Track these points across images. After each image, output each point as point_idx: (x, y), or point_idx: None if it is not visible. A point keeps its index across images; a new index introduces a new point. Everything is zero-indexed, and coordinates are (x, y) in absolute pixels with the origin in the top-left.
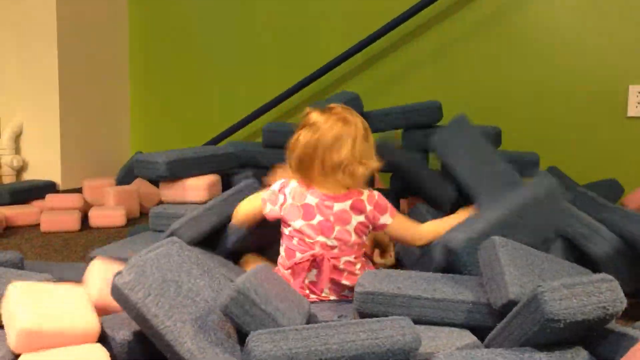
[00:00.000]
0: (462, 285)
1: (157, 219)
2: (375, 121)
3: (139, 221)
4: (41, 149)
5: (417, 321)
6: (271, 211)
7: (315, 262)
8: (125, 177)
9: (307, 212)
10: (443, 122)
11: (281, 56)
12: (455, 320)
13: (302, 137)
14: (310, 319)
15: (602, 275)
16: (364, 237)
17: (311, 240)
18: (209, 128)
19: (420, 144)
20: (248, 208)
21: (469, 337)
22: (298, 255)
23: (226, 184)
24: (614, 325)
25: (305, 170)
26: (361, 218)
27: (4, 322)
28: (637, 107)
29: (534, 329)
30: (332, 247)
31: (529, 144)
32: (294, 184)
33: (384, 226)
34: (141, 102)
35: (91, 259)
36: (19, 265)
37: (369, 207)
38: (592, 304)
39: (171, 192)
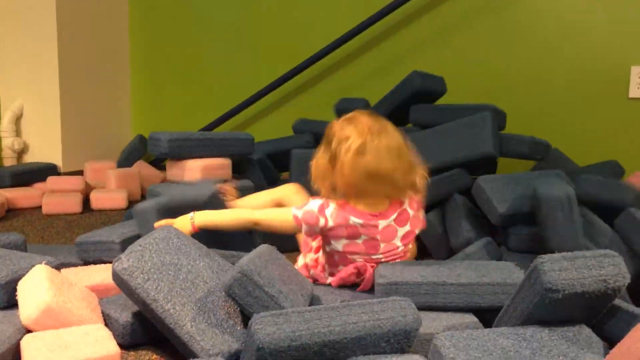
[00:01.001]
0: (485, 268)
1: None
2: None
3: None
4: (42, 131)
5: (443, 308)
6: (308, 231)
7: (358, 272)
8: (126, 160)
9: (352, 233)
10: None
11: (280, 39)
12: (482, 304)
13: (353, 161)
14: (314, 302)
15: (606, 250)
16: (410, 245)
17: (354, 257)
18: (209, 110)
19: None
20: (275, 220)
21: (470, 319)
22: (341, 267)
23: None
24: (620, 302)
25: (359, 192)
26: (407, 228)
27: (20, 300)
28: (638, 88)
29: (534, 300)
30: (378, 261)
31: (530, 125)
32: (332, 206)
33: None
34: (142, 84)
35: (78, 244)
36: (21, 247)
37: (411, 213)
38: (593, 277)
39: (173, 171)
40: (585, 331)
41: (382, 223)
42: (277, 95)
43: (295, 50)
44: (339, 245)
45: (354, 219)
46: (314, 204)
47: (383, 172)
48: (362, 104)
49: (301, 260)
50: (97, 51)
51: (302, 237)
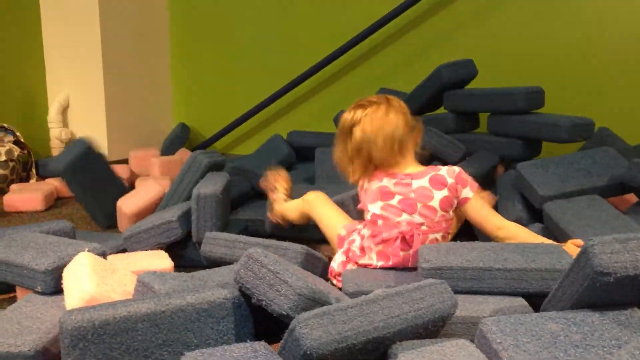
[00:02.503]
0: (533, 253)
1: None
2: None
3: None
4: (88, 121)
5: (489, 293)
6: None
7: (405, 242)
8: (169, 148)
9: (385, 194)
10: (484, 82)
11: (315, 27)
12: (529, 289)
13: (371, 129)
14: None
15: None
16: (451, 213)
17: (396, 220)
18: (247, 98)
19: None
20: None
21: (519, 302)
22: (384, 234)
23: None
24: None
25: (386, 158)
26: (445, 192)
27: (66, 288)
28: None
29: (584, 284)
30: (420, 224)
31: (575, 104)
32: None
33: (466, 200)
34: (182, 74)
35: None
36: (70, 234)
37: (450, 180)
38: None
39: None
40: (638, 314)
41: (415, 182)
42: (314, 82)
43: (331, 38)
44: (377, 207)
45: (386, 180)
46: None
47: (400, 133)
48: (397, 96)
49: (339, 257)
50: (139, 43)
51: (335, 235)
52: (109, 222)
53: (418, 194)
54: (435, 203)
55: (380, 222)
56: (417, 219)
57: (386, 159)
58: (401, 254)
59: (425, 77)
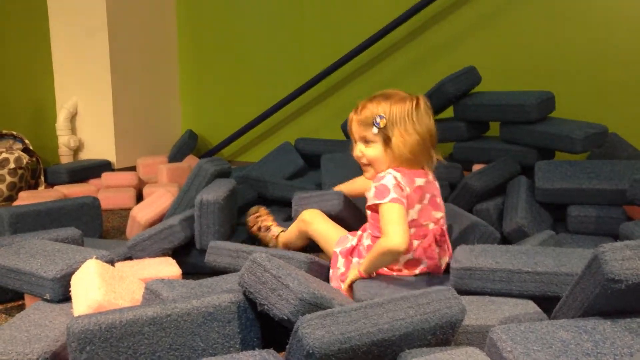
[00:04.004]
0: (564, 258)
1: None
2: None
3: None
4: (96, 129)
5: (518, 295)
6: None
7: (435, 242)
8: (177, 155)
9: (421, 195)
10: (495, 86)
11: (322, 35)
12: (559, 294)
13: (410, 124)
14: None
15: None
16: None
17: (426, 223)
18: (255, 105)
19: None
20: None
21: (532, 309)
22: (416, 242)
23: None
24: None
25: (418, 156)
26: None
27: (74, 295)
28: None
29: (595, 291)
30: (441, 219)
31: (585, 109)
32: (396, 174)
33: None
34: (190, 81)
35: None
36: (78, 241)
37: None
38: None
39: None
40: None
41: (430, 176)
42: (321, 89)
43: (339, 44)
44: (415, 212)
45: (417, 180)
46: (388, 180)
47: (429, 132)
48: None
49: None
50: (147, 50)
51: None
52: None
53: (436, 189)
54: (440, 200)
55: (413, 230)
56: (442, 213)
57: (423, 153)
58: (437, 250)
59: (430, 89)
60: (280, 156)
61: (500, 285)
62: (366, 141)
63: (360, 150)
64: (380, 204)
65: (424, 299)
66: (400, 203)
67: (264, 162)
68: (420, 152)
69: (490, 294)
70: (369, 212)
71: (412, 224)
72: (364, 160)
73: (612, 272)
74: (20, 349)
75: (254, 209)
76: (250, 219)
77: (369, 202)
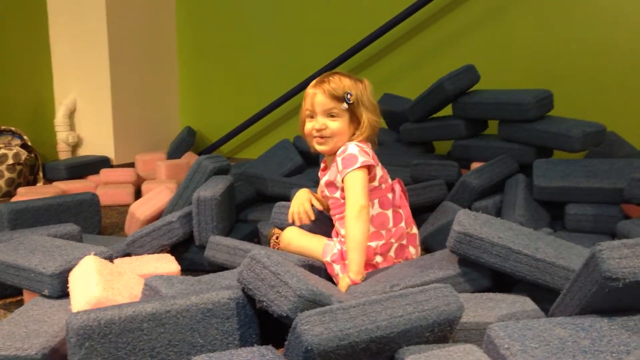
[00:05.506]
0: (565, 251)
1: None
2: None
3: None
4: (95, 125)
5: (510, 274)
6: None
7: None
8: (175, 151)
9: (377, 161)
10: (493, 84)
11: (320, 33)
12: (550, 284)
13: (373, 99)
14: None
15: None
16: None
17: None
18: (254, 101)
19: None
20: (366, 183)
21: (530, 306)
22: (393, 228)
23: None
24: None
25: (375, 136)
26: None
27: (72, 291)
28: None
29: (592, 289)
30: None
31: (583, 108)
32: (359, 144)
33: None
34: (189, 77)
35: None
36: (77, 237)
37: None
38: None
39: None
40: None
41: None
42: None
43: (338, 41)
44: (380, 169)
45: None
46: (353, 149)
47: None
48: (402, 102)
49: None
50: (146, 46)
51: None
52: None
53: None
54: None
55: (383, 185)
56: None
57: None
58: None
59: (428, 87)
60: (278, 153)
61: (495, 260)
62: (331, 115)
63: (323, 123)
64: (346, 174)
65: (422, 296)
66: (369, 165)
67: (263, 159)
68: (376, 133)
69: (482, 265)
70: (331, 201)
71: (381, 180)
72: (327, 133)
73: (609, 271)
74: (19, 344)
75: (270, 232)
76: (271, 243)
77: (341, 175)
